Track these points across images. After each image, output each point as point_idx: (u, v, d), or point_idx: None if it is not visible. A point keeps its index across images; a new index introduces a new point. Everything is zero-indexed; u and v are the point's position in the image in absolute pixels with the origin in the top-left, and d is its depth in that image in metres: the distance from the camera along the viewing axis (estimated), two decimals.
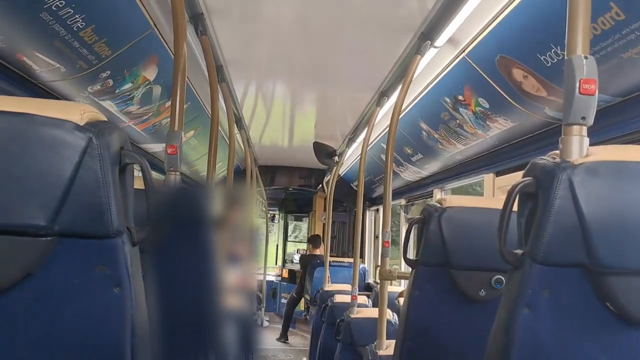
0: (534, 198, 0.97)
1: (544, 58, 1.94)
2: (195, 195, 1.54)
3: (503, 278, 1.58)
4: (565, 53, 1.01)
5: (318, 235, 8.03)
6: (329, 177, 6.68)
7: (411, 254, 1.87)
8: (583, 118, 0.97)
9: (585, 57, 0.99)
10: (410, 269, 1.78)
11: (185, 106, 3.26)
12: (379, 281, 2.62)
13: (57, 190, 0.84)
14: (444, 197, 1.76)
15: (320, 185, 8.05)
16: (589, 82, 0.97)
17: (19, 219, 0.84)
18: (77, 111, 0.87)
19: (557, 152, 0.99)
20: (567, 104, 0.98)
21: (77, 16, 1.80)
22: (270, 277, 9.04)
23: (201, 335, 1.45)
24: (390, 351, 1.97)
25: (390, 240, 2.69)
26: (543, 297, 0.95)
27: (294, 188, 8.33)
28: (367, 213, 7.16)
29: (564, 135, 0.98)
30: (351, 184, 7.14)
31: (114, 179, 0.87)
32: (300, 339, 7.40)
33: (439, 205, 1.69)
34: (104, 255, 0.88)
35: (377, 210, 6.68)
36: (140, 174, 0.95)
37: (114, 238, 0.88)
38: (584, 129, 0.98)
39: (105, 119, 0.92)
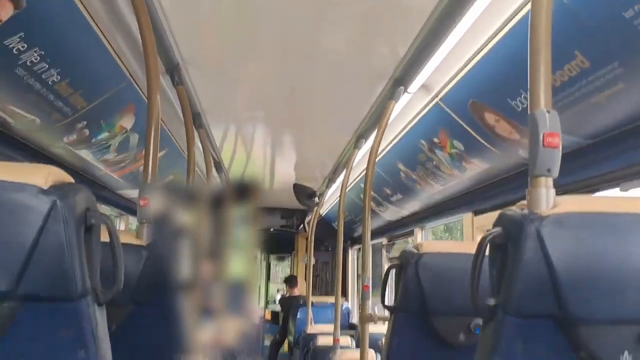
0: (504, 249, 0.98)
1: (514, 103, 1.98)
2: (167, 249, 1.53)
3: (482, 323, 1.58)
4: (528, 107, 1.04)
5: (294, 275, 7.99)
6: (310, 217, 6.68)
7: (390, 298, 1.87)
8: (548, 170, 0.99)
9: (548, 111, 1.01)
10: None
11: (162, 152, 3.28)
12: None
13: (19, 255, 0.82)
14: (421, 242, 1.77)
15: (302, 225, 8.03)
16: (552, 136, 0.99)
17: None
18: (42, 174, 0.86)
19: (525, 202, 1.00)
20: (532, 156, 1.00)
21: (52, 70, 1.81)
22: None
23: None
24: None
25: (370, 283, 2.69)
26: (517, 348, 0.95)
27: (275, 229, 8.29)
28: (350, 252, 7.14)
29: (531, 187, 0.99)
30: (332, 224, 7.14)
31: (78, 241, 0.86)
32: None
33: (415, 251, 1.69)
34: (68, 318, 0.87)
35: (359, 249, 6.66)
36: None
37: (78, 301, 0.86)
38: (550, 180, 0.99)
39: (72, 180, 0.91)
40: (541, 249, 0.92)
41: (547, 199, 0.98)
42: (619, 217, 0.96)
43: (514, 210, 1.00)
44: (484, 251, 1.00)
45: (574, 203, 0.98)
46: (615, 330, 0.93)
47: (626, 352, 0.92)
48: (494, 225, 1.01)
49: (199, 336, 1.53)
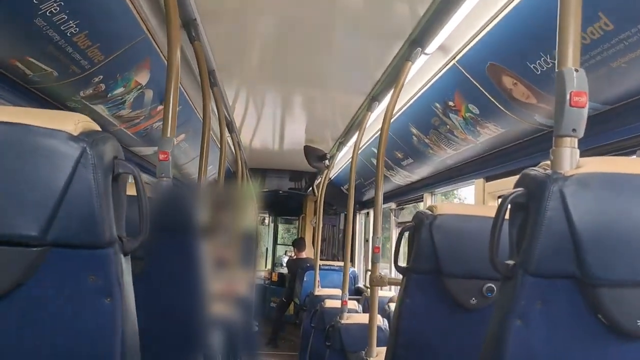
0: (525, 209, 0.98)
1: (533, 66, 1.96)
2: (185, 199, 1.54)
3: (494, 286, 1.59)
4: (556, 65, 1.03)
5: (302, 238, 8.05)
6: (319, 180, 6.69)
7: (402, 261, 1.88)
8: (574, 130, 0.99)
9: (576, 70, 1.00)
10: (400, 275, 1.79)
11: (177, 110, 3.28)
12: (369, 285, 2.62)
13: (50, 200, 0.84)
14: (435, 204, 1.77)
15: (311, 189, 8.04)
16: (579, 95, 0.98)
17: (11, 229, 0.83)
18: (72, 121, 0.87)
19: (548, 162, 1.00)
20: (558, 115, 0.99)
21: (71, 22, 1.80)
22: (259, 281, 8.99)
23: (186, 343, 1.45)
24: (380, 358, 1.97)
25: (380, 245, 2.70)
26: (535, 309, 0.96)
27: (284, 191, 8.31)
28: (357, 216, 7.16)
29: (555, 146, 0.99)
30: (341, 187, 7.15)
31: (106, 189, 0.87)
32: (290, 344, 7.38)
33: (430, 212, 1.70)
34: (95, 265, 0.88)
35: (367, 213, 6.69)
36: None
37: (105, 248, 0.88)
38: (575, 141, 0.99)
39: (99, 129, 0.92)
40: (563, 209, 0.92)
41: (572, 159, 0.98)
42: None
43: (537, 170, 0.99)
44: (505, 211, 1.00)
45: (598, 164, 0.98)
46: (633, 293, 0.93)
47: None
48: (516, 186, 1.01)
49: (212, 286, 1.55)
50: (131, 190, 0.96)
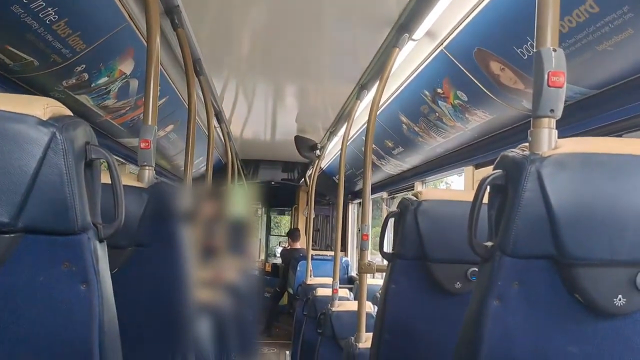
0: (504, 190, 0.97)
1: (520, 51, 1.95)
2: (168, 191, 1.53)
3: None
4: (535, 45, 1.02)
5: (297, 228, 8.07)
6: (311, 170, 6.69)
7: (388, 247, 1.88)
8: (552, 110, 0.98)
9: (554, 50, 0.99)
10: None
11: (163, 100, 3.26)
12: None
13: (20, 186, 0.82)
14: (420, 190, 1.77)
15: (303, 179, 8.04)
16: (557, 75, 0.97)
17: None
18: (40, 105, 0.85)
19: (527, 144, 0.99)
20: (536, 96, 0.99)
21: (49, 9, 1.77)
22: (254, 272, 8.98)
23: (174, 332, 1.44)
24: (369, 344, 1.98)
25: (369, 233, 2.70)
26: (513, 289, 0.96)
27: (276, 182, 8.31)
28: (350, 206, 7.17)
29: (533, 127, 0.99)
30: (333, 178, 7.15)
31: (78, 174, 0.86)
32: (283, 333, 7.40)
33: (415, 198, 1.70)
34: (69, 251, 0.87)
35: (360, 203, 6.69)
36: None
37: (79, 234, 0.87)
38: (553, 122, 0.98)
39: (70, 114, 0.90)
40: (541, 190, 0.92)
41: (550, 140, 0.97)
42: (620, 158, 0.95)
43: (516, 151, 0.99)
44: (484, 192, 1.00)
45: (575, 144, 0.97)
46: (610, 272, 0.94)
47: (620, 295, 0.93)
48: (495, 168, 1.00)
49: (201, 274, 1.54)
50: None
